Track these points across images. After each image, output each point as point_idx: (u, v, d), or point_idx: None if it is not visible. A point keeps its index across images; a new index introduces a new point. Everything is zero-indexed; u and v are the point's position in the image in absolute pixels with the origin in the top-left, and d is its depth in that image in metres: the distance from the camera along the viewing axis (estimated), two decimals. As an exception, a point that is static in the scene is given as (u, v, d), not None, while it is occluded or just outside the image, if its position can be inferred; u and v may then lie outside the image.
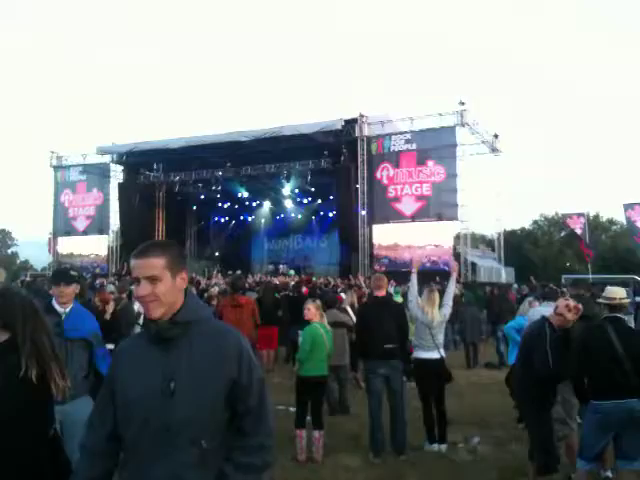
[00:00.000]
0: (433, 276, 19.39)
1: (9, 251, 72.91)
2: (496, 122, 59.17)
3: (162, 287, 2.04)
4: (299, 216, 32.81)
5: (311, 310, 6.63)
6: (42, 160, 30.84)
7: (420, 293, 7.24)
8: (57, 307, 4.36)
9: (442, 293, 7.34)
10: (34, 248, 47.15)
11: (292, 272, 25.82)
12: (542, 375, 4.65)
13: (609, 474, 5.23)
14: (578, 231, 27.96)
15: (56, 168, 30.72)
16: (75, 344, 4.24)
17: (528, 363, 4.82)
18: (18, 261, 69.01)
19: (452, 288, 7.26)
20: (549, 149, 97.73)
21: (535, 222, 55.10)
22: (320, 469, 6.06)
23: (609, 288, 5.08)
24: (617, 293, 4.94)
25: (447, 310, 6.99)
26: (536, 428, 4.90)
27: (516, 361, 5.32)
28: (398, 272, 22.12)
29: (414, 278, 7.24)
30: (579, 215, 28.85)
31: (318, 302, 6.90)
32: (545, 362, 4.60)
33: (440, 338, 6.84)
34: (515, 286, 21.74)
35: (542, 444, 4.84)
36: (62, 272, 4.69)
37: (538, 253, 48.57)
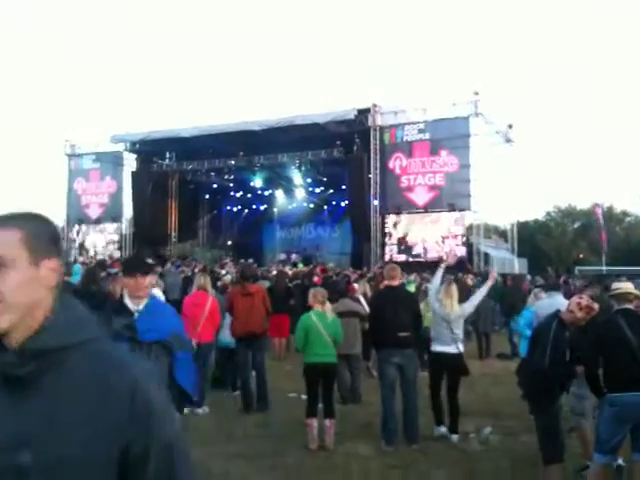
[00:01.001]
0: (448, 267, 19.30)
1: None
2: (510, 112, 58.69)
3: (12, 278, 1.20)
4: (311, 205, 32.75)
5: (310, 298, 6.79)
6: (56, 148, 30.96)
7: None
8: (130, 304, 3.58)
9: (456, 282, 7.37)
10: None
11: (301, 265, 25.81)
12: (539, 369, 4.67)
13: (621, 462, 5.22)
14: (601, 221, 27.90)
15: (70, 156, 30.82)
16: (152, 349, 3.42)
17: (532, 354, 4.85)
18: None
19: (484, 292, 7.25)
20: (564, 140, 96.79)
21: (548, 213, 54.79)
22: (332, 457, 6.09)
23: (615, 284, 5.16)
24: (622, 285, 5.01)
25: (470, 309, 7.00)
26: (541, 418, 4.91)
27: (526, 351, 5.34)
28: (410, 262, 22.13)
29: (440, 272, 7.24)
30: (598, 206, 28.78)
31: (315, 290, 7.01)
32: (542, 357, 4.61)
33: (458, 332, 6.82)
34: (529, 277, 21.67)
35: (546, 434, 4.85)
36: (137, 260, 3.98)
37: (551, 244, 48.31)
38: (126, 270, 3.74)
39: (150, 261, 3.64)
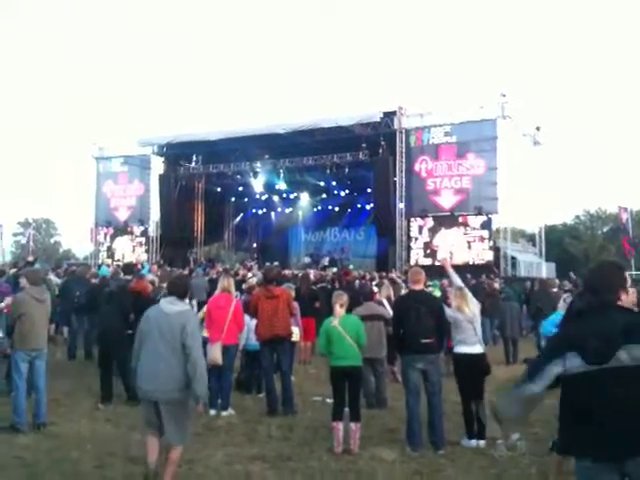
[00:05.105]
0: (471, 270, 19.20)
1: (52, 240, 74.84)
2: (538, 114, 58.05)
3: None
4: (336, 208, 32.72)
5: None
6: (84, 151, 31.29)
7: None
8: None
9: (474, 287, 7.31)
10: (77, 237, 48.12)
11: (334, 269, 25.67)
12: None
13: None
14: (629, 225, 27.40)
15: (98, 159, 31.14)
16: None
17: None
18: (61, 250, 70.78)
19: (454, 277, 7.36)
20: (593, 142, 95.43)
21: (577, 217, 54.00)
22: (357, 461, 6.04)
23: None
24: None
25: (474, 300, 7.03)
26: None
27: None
28: (436, 267, 21.95)
29: (454, 276, 7.28)
30: (625, 209, 28.23)
31: (337, 293, 7.04)
32: None
33: (480, 332, 6.79)
34: (557, 281, 21.36)
35: None
36: None
37: (580, 248, 47.61)
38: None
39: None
